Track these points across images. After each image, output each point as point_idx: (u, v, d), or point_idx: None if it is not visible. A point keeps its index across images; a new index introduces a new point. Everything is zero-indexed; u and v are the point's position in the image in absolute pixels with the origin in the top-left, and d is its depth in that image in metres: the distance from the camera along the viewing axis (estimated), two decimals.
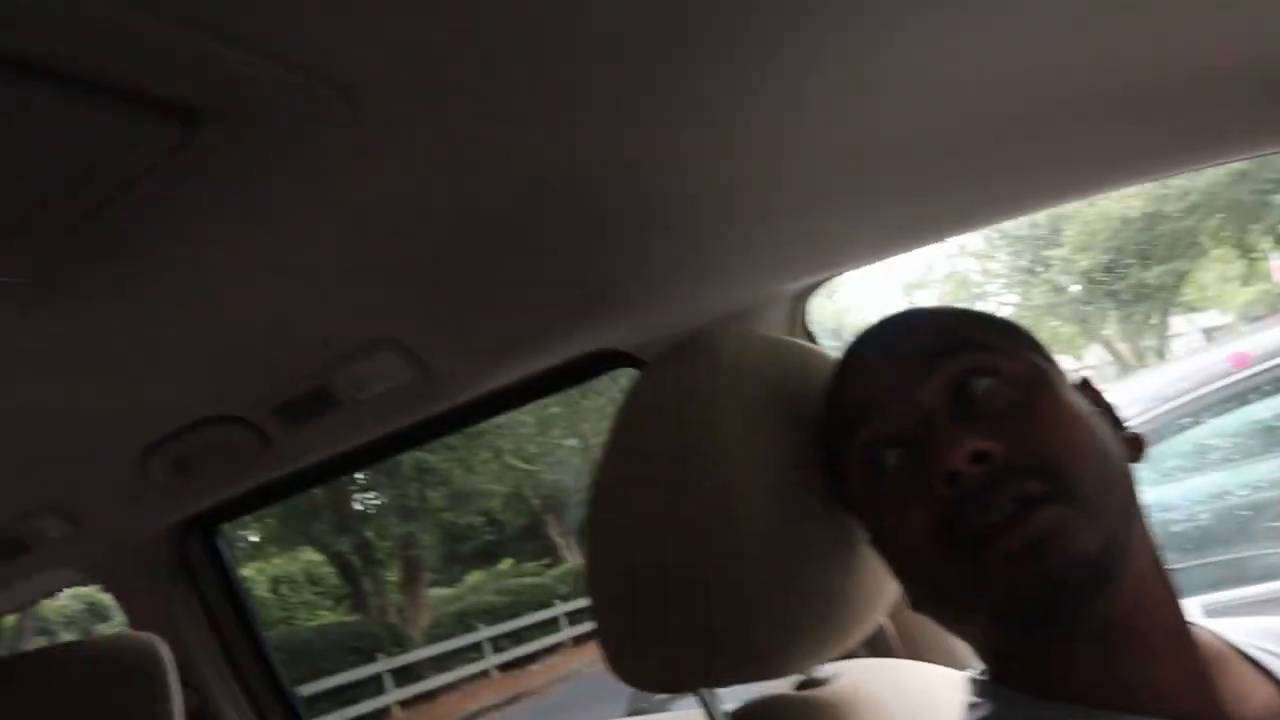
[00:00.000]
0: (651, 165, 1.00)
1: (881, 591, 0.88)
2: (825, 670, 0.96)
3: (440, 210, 1.06)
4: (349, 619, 15.81)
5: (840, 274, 1.34)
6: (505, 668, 15.10)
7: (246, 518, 2.28)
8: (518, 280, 1.25)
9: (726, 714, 0.89)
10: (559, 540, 18.04)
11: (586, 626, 15.58)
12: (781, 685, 0.92)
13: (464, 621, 15.32)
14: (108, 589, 2.28)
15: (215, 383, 1.50)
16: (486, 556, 18.49)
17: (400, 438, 1.75)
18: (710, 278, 1.26)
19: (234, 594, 2.21)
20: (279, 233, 1.04)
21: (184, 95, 0.73)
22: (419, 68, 0.79)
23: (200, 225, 0.97)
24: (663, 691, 0.84)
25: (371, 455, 1.86)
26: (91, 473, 1.79)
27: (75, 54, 0.67)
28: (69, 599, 15.02)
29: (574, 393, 17.28)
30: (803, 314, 1.39)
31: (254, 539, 15.91)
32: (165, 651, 1.59)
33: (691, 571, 0.77)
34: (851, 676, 0.95)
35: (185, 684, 1.70)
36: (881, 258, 1.30)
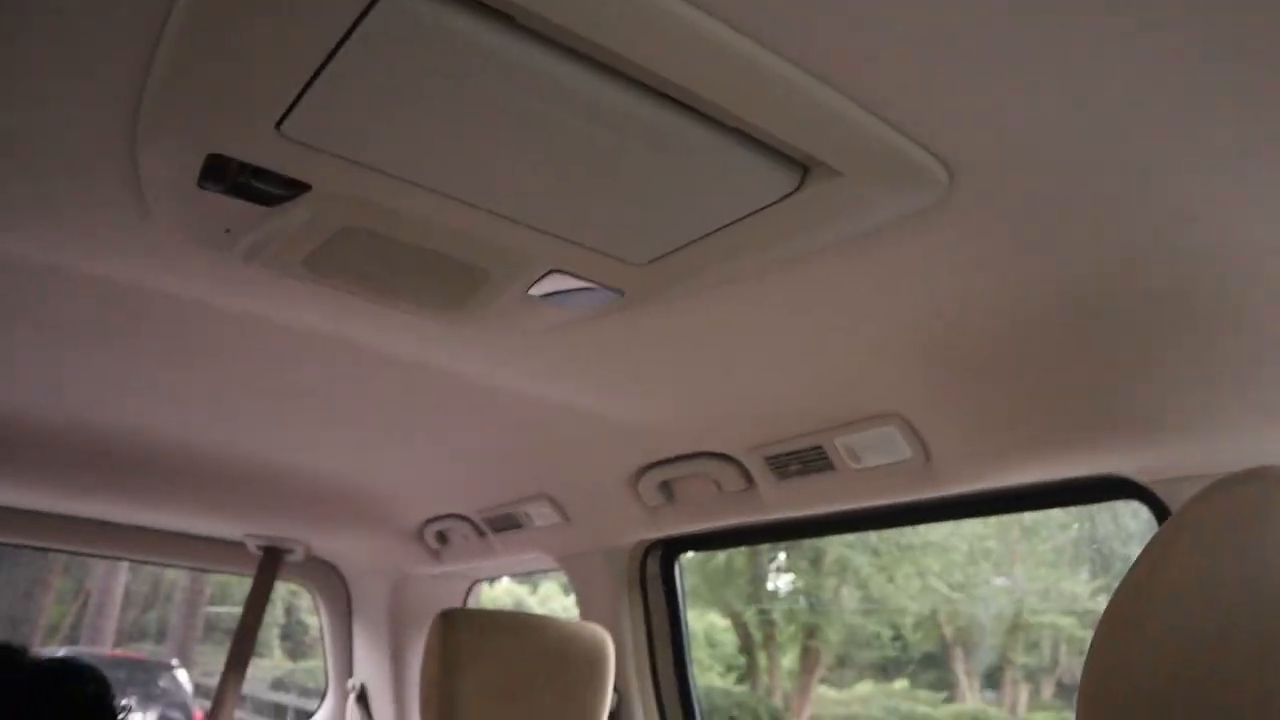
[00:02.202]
0: (1236, 258, 0.94)
1: None
2: None
3: (990, 294, 1.08)
4: (735, 689, 15.99)
5: None
6: None
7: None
8: (1041, 381, 1.22)
9: None
10: (962, 677, 16.98)
11: None
12: None
13: None
14: (571, 580, 2.55)
15: (721, 420, 1.63)
16: (883, 671, 17.87)
17: (884, 515, 1.75)
18: (1256, 418, 1.15)
19: (674, 616, 2.39)
20: (838, 287, 1.12)
21: (806, 147, 0.86)
22: (1010, 146, 0.84)
23: (785, 268, 1.08)
24: None
25: (850, 524, 1.88)
26: (590, 477, 2.03)
27: (733, 102, 0.80)
28: (503, 593, 16.75)
29: (1014, 531, 16.27)
30: None
31: None
32: (610, 645, 1.76)
33: (1229, 707, 0.72)
34: None
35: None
36: None
